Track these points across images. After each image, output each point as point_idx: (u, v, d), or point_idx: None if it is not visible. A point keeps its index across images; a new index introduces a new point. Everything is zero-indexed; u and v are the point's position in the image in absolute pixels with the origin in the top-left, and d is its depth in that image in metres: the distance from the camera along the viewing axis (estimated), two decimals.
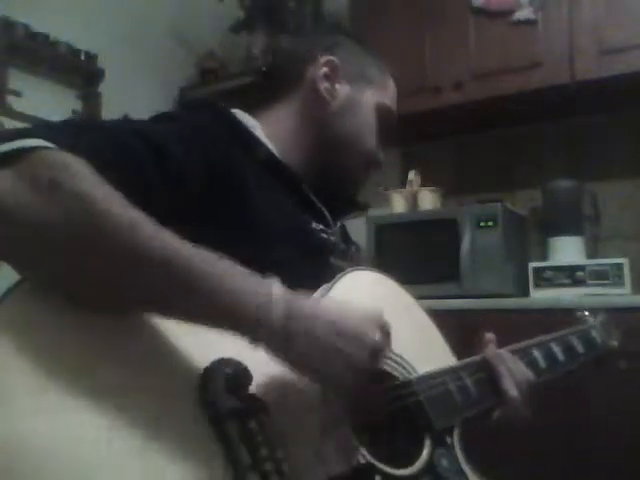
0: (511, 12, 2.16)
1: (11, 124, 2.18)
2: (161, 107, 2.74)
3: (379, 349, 0.64)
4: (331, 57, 0.91)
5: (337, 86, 0.91)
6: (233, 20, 2.81)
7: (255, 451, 0.58)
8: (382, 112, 0.94)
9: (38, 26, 2.35)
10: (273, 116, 0.92)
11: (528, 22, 2.13)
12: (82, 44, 2.50)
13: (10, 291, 0.53)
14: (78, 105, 2.52)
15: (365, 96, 0.92)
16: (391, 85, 0.97)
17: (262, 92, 0.96)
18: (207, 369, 0.59)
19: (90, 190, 0.53)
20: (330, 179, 0.92)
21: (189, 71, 3.00)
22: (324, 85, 0.90)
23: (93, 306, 0.55)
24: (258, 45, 2.76)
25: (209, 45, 3.00)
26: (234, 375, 0.59)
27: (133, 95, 2.56)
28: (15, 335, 0.50)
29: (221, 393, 0.58)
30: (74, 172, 0.54)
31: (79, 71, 2.51)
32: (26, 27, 2.31)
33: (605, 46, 1.99)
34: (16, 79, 2.30)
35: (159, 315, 0.58)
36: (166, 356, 0.58)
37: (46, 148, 0.55)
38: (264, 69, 1.01)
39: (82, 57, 2.51)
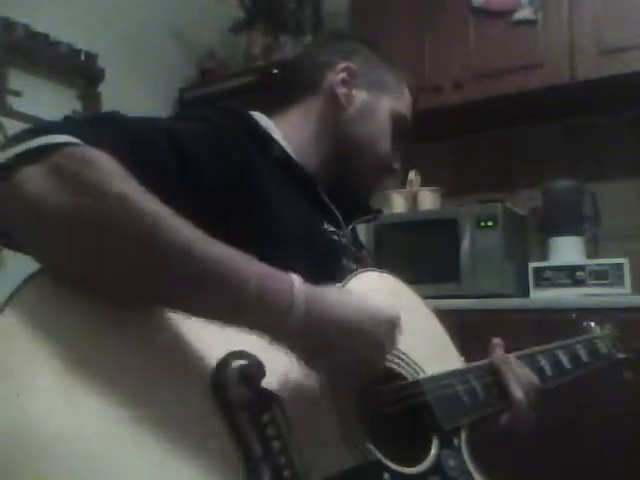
0: (511, 12, 2.16)
1: (11, 124, 2.18)
2: (161, 107, 2.76)
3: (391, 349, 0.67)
4: (349, 63, 0.93)
5: (354, 92, 0.93)
6: (233, 20, 2.82)
7: (267, 444, 0.58)
8: (397, 119, 0.95)
9: (38, 26, 2.35)
10: (289, 119, 0.93)
11: (528, 22, 2.13)
12: (82, 44, 2.50)
13: (26, 281, 0.54)
14: (78, 105, 2.52)
15: (381, 103, 0.94)
16: (406, 93, 0.99)
17: (277, 95, 0.97)
18: (221, 361, 0.59)
19: (119, 185, 0.54)
20: (344, 183, 0.93)
21: (189, 71, 3.00)
22: (342, 90, 0.92)
23: (114, 300, 0.56)
24: (258, 45, 2.76)
25: (209, 45, 3.00)
26: (247, 367, 0.60)
27: (133, 95, 2.56)
28: (30, 323, 0.51)
29: (234, 385, 0.58)
30: (102, 168, 0.55)
31: (79, 71, 2.51)
32: (26, 27, 2.31)
33: (605, 46, 1.99)
34: (16, 79, 2.30)
35: (177, 311, 0.59)
36: (182, 347, 0.59)
37: (74, 144, 0.56)
38: (278, 72, 1.02)
39: (82, 57, 2.51)
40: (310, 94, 0.94)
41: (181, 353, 0.58)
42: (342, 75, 0.92)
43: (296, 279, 0.61)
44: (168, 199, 0.57)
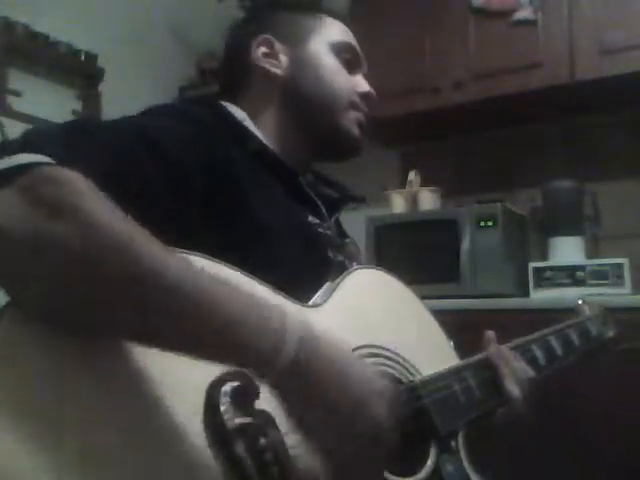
0: (511, 12, 2.16)
1: (11, 124, 2.18)
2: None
3: (382, 434, 0.60)
4: (261, 36, 0.92)
5: (280, 56, 0.92)
6: (233, 20, 2.81)
7: (265, 469, 0.56)
8: (337, 48, 0.93)
9: (38, 26, 2.35)
10: (248, 109, 0.92)
11: (528, 22, 2.13)
12: (82, 44, 2.50)
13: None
14: (78, 105, 2.52)
15: (310, 47, 0.92)
16: (330, 22, 0.96)
17: (229, 91, 0.97)
18: (211, 385, 0.56)
19: (93, 210, 0.51)
20: (322, 140, 0.92)
21: (189, 71, 3.00)
22: (267, 62, 0.91)
23: (85, 333, 0.52)
24: None
25: (209, 45, 3.00)
26: (240, 389, 0.57)
27: (133, 95, 2.55)
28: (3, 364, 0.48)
29: (227, 410, 0.55)
30: (76, 191, 0.52)
31: (79, 71, 2.51)
32: (26, 27, 2.31)
33: (605, 46, 1.99)
34: (16, 79, 2.30)
35: (154, 347, 0.54)
36: (168, 375, 0.55)
37: (46, 164, 0.53)
38: (221, 74, 1.01)
39: (82, 57, 2.51)
40: (248, 83, 0.93)
41: (167, 380, 0.55)
42: (261, 50, 0.92)
43: (288, 330, 0.57)
44: (151, 207, 0.54)
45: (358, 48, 0.96)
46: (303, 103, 0.91)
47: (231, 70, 0.97)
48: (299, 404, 0.58)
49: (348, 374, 0.60)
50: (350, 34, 0.97)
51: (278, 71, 0.91)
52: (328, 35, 0.94)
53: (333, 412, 0.58)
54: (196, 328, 0.53)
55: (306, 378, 0.57)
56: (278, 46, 0.92)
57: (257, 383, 0.57)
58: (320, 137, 0.92)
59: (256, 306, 0.56)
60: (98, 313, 0.51)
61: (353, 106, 0.92)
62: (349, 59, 0.94)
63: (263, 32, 0.93)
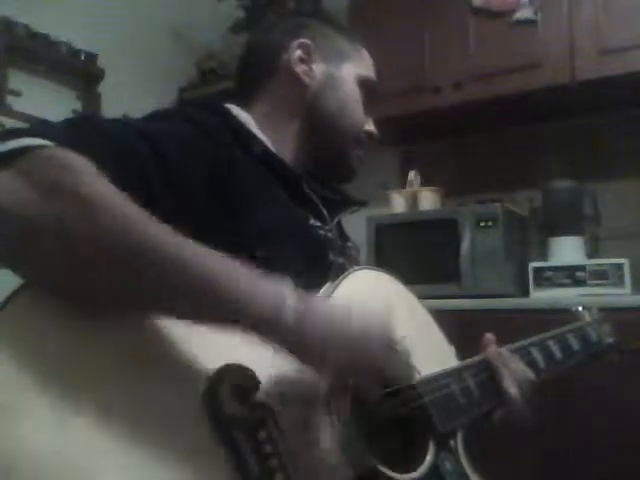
0: (511, 12, 2.16)
1: (11, 124, 2.18)
2: (161, 107, 2.75)
3: (386, 350, 0.65)
4: (303, 40, 0.91)
5: (314, 66, 0.91)
6: (233, 20, 2.81)
7: (264, 461, 0.56)
8: (363, 83, 0.94)
9: (38, 26, 2.35)
10: (258, 109, 0.92)
11: (528, 22, 2.13)
12: (82, 44, 2.50)
13: (11, 298, 0.51)
14: (78, 105, 2.52)
15: (342, 71, 0.93)
16: (365, 55, 0.97)
17: (242, 88, 0.96)
18: (212, 377, 0.57)
19: (94, 188, 0.52)
20: (324, 161, 0.93)
21: (189, 71, 3.00)
22: (301, 68, 0.91)
23: (92, 307, 0.53)
24: None
25: (209, 45, 3.00)
26: (241, 382, 0.58)
27: (133, 95, 2.56)
28: (18, 342, 0.50)
29: (228, 402, 0.57)
30: (76, 170, 0.53)
31: (79, 71, 2.51)
32: (26, 27, 2.32)
33: (605, 46, 1.99)
34: (16, 79, 2.30)
35: (164, 314, 0.57)
36: (171, 364, 0.57)
37: (46, 147, 0.54)
38: (239, 66, 1.00)
39: (82, 57, 2.51)
40: (271, 81, 0.92)
41: (170, 369, 0.56)
42: (298, 53, 0.91)
43: (287, 289, 0.60)
44: (148, 203, 0.55)
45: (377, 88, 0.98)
46: (323, 121, 0.91)
47: (254, 64, 0.95)
48: (308, 352, 0.60)
49: (343, 320, 0.62)
50: (373, 69, 0.98)
51: (309, 80, 0.91)
52: (359, 67, 0.95)
53: (344, 349, 0.61)
54: (201, 297, 0.55)
55: (308, 327, 0.59)
56: (315, 56, 0.92)
57: (257, 376, 0.59)
58: (325, 157, 0.93)
59: (253, 273, 0.59)
60: (104, 287, 0.53)
61: (358, 141, 0.94)
62: (368, 97, 0.95)
63: (303, 37, 0.92)
